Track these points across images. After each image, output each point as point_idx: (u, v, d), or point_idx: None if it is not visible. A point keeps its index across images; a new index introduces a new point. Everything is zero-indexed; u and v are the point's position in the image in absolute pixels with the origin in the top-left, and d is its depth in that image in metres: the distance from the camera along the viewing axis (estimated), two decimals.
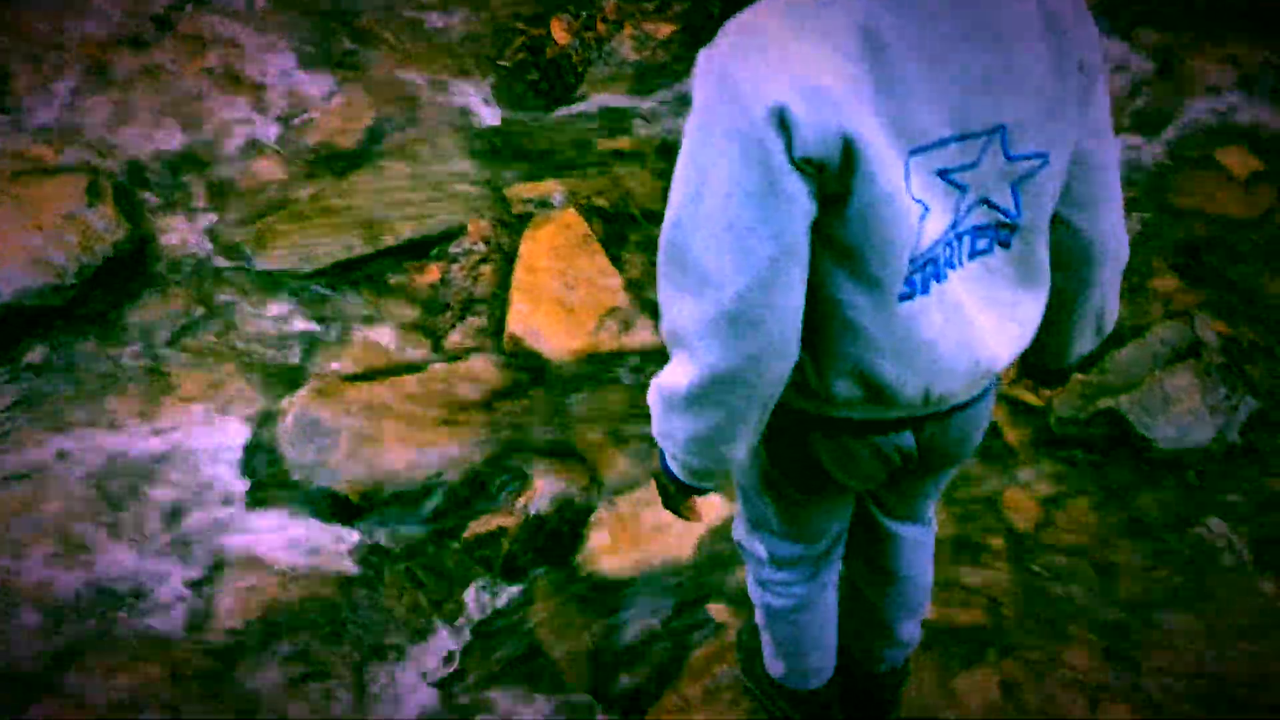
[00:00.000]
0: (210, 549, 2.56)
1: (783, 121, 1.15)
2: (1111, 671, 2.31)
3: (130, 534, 2.58)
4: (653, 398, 1.40)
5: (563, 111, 3.77)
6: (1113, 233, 1.49)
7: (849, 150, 1.17)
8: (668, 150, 3.60)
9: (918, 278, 1.30)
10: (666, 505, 1.54)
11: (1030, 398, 2.85)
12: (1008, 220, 1.34)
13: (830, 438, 1.47)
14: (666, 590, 2.45)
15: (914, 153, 1.22)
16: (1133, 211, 3.38)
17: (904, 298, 1.30)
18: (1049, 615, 2.42)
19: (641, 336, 3.05)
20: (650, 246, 3.31)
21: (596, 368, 2.97)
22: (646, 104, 3.78)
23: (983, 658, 2.32)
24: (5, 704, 2.28)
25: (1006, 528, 2.60)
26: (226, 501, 2.66)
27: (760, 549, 1.80)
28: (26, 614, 2.44)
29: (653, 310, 3.11)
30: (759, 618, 1.94)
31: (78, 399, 2.86)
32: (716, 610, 2.40)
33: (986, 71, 1.22)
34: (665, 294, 1.30)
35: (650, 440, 2.73)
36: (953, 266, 1.33)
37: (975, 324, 1.37)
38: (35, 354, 2.96)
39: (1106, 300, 1.57)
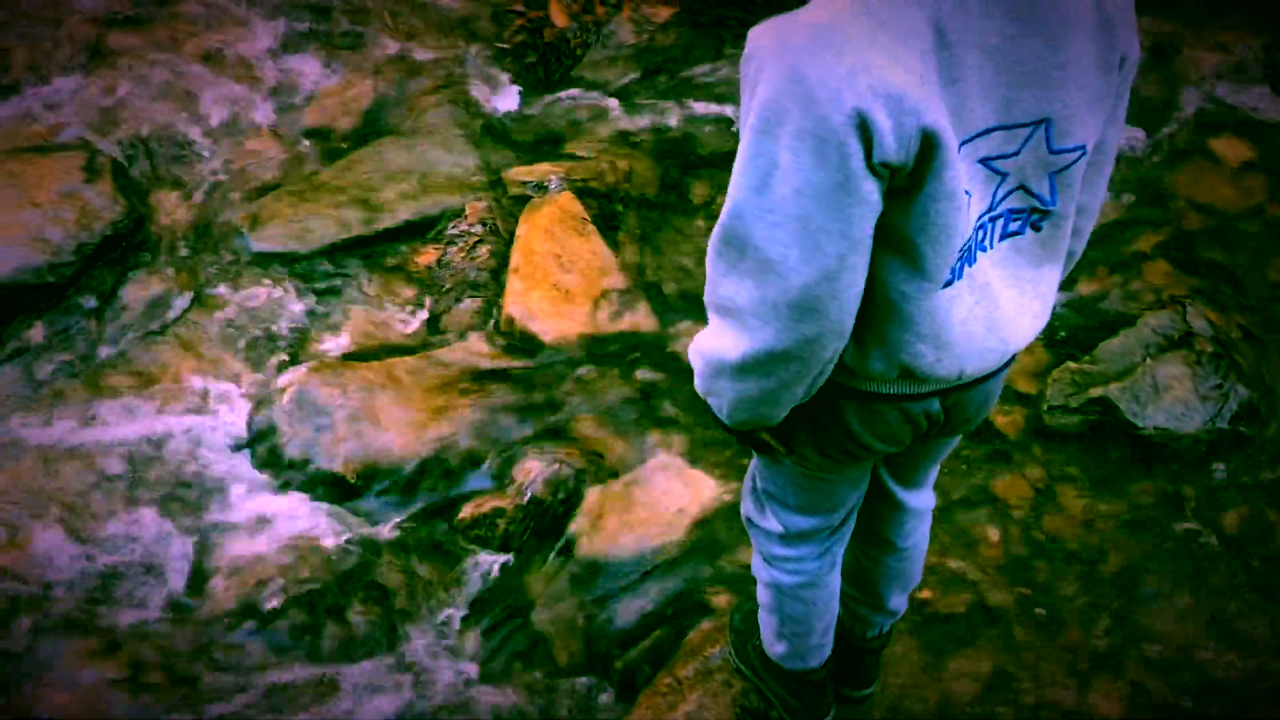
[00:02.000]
0: (207, 528, 2.58)
1: (863, 126, 1.15)
2: (1101, 656, 2.35)
3: (126, 512, 2.59)
4: (695, 360, 1.43)
5: (561, 94, 3.77)
6: (1098, 210, 1.54)
7: (926, 148, 1.19)
8: (664, 134, 3.61)
9: (957, 264, 1.33)
10: (743, 443, 1.58)
11: (1022, 385, 2.87)
12: (1042, 207, 1.36)
13: (862, 404, 1.50)
14: (660, 572, 2.47)
15: (964, 143, 1.24)
16: (1124, 199, 3.40)
17: (946, 284, 1.33)
18: (1040, 600, 2.45)
19: (636, 319, 3.06)
20: (645, 230, 3.32)
21: (592, 349, 2.99)
22: (645, 87, 3.78)
23: (973, 642, 2.35)
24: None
25: (998, 513, 2.62)
26: (223, 480, 2.67)
27: (774, 523, 1.81)
28: (20, 589, 2.45)
29: (647, 293, 3.13)
30: (765, 597, 1.95)
31: (75, 377, 2.87)
32: (710, 593, 2.42)
33: (1037, 65, 1.24)
34: (718, 270, 1.31)
35: (647, 423, 2.77)
36: (983, 249, 1.36)
37: (1000, 303, 1.40)
38: (33, 331, 2.97)
39: (1080, 250, 1.61)
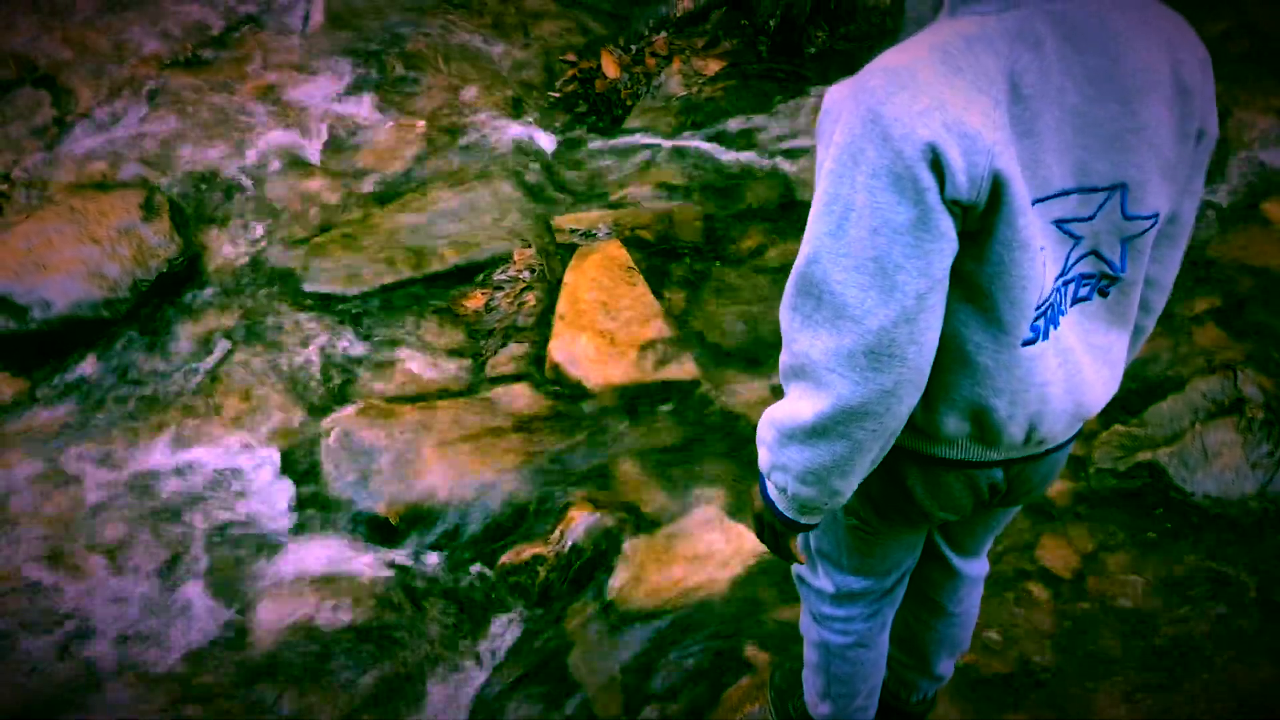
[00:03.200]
0: (251, 567, 2.59)
1: (936, 161, 1.17)
2: None
3: (174, 549, 2.61)
4: (765, 432, 1.40)
5: (611, 143, 3.81)
6: (1171, 284, 1.53)
7: (996, 191, 1.19)
8: (713, 185, 3.63)
9: (1041, 323, 1.32)
10: (768, 544, 1.54)
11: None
12: (1112, 273, 1.36)
13: (926, 470, 1.48)
14: (700, 626, 2.45)
15: (1036, 201, 1.24)
16: None
17: (1027, 342, 1.32)
18: (1085, 666, 2.41)
19: (681, 369, 3.07)
20: (692, 280, 3.34)
21: (636, 398, 2.99)
22: (693, 139, 3.82)
23: (1018, 706, 2.32)
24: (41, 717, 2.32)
25: (1045, 577, 2.59)
26: (268, 519, 2.69)
27: (826, 583, 1.79)
28: (69, 624, 2.47)
29: (692, 342, 3.13)
30: (812, 656, 1.93)
31: (126, 413, 2.92)
32: (749, 649, 2.40)
33: (1115, 129, 1.25)
34: (793, 326, 1.30)
35: (689, 475, 2.76)
36: (1062, 313, 1.35)
37: (1082, 368, 1.39)
38: (87, 365, 3.02)
39: (1150, 326, 1.60)
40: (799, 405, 1.33)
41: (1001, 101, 1.18)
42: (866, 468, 1.36)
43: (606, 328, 3.13)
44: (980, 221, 1.22)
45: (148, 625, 2.48)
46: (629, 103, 3.93)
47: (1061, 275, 1.32)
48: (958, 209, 1.20)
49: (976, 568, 1.86)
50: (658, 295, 3.25)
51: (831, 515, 1.66)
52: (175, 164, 3.61)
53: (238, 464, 2.82)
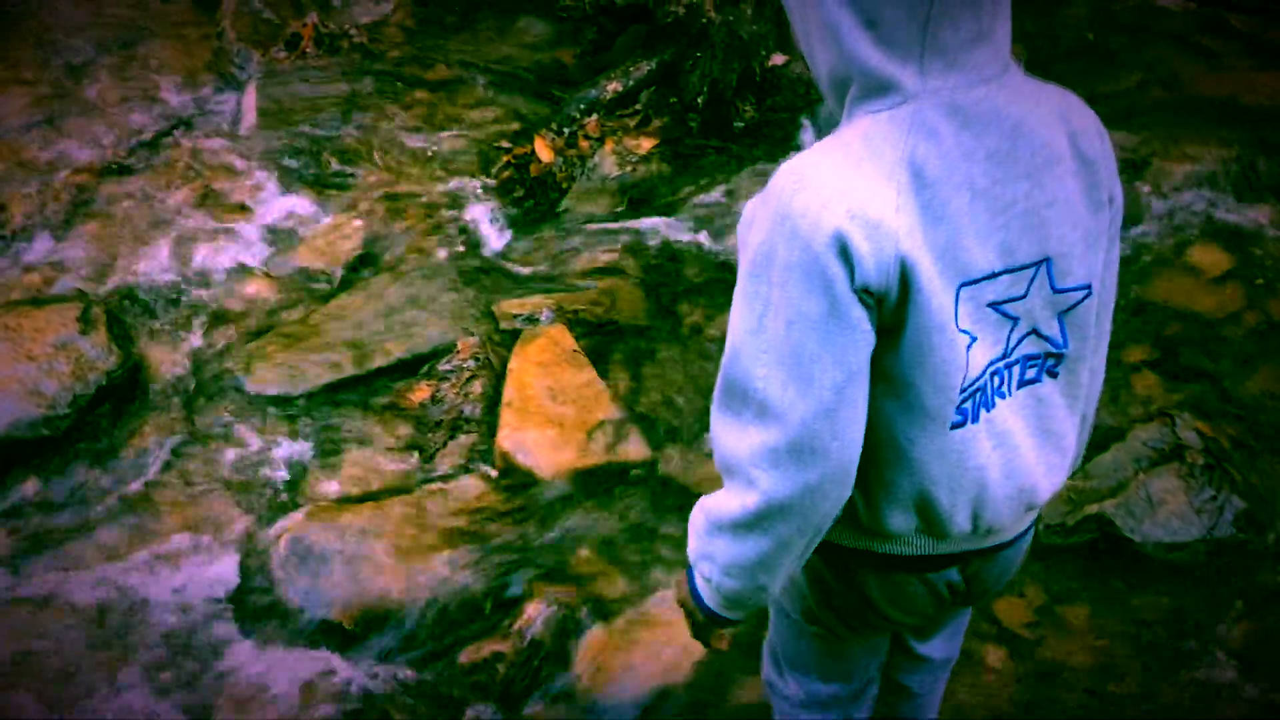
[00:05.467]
0: (205, 684, 2.54)
1: (844, 251, 1.19)
2: None
3: (123, 671, 2.56)
4: (696, 519, 1.41)
5: (549, 228, 3.84)
6: (1103, 368, 1.55)
7: (905, 278, 1.22)
8: (651, 263, 3.67)
9: (968, 406, 1.33)
10: (694, 633, 1.54)
11: None
12: (1055, 350, 1.38)
13: (882, 575, 1.48)
14: (664, 715, 2.43)
15: (964, 285, 1.27)
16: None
17: (955, 425, 1.33)
18: None
19: (630, 449, 3.07)
20: (636, 359, 3.35)
21: (588, 483, 2.99)
22: (630, 218, 3.86)
23: None
24: None
25: (1003, 636, 2.60)
26: (221, 634, 2.64)
27: (795, 690, 1.79)
28: None
29: (640, 422, 3.14)
30: None
31: (69, 532, 2.86)
32: None
33: (1030, 205, 1.28)
34: (722, 425, 1.33)
35: (646, 556, 2.75)
36: (1002, 395, 1.36)
37: (1022, 451, 1.40)
38: (27, 486, 2.97)
39: (1090, 414, 1.61)
40: (728, 499, 1.34)
41: (905, 189, 1.21)
42: (793, 564, 1.37)
43: (555, 413, 3.13)
44: (895, 314, 1.24)
45: None
46: (565, 185, 3.97)
47: (1004, 357, 1.34)
48: (870, 298, 1.23)
49: (944, 650, 1.86)
50: (604, 376, 3.26)
51: (800, 623, 1.67)
52: (111, 274, 3.59)
53: (187, 577, 2.77)
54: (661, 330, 3.44)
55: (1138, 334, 3.36)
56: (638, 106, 4.15)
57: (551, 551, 2.80)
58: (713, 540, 1.38)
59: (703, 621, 1.48)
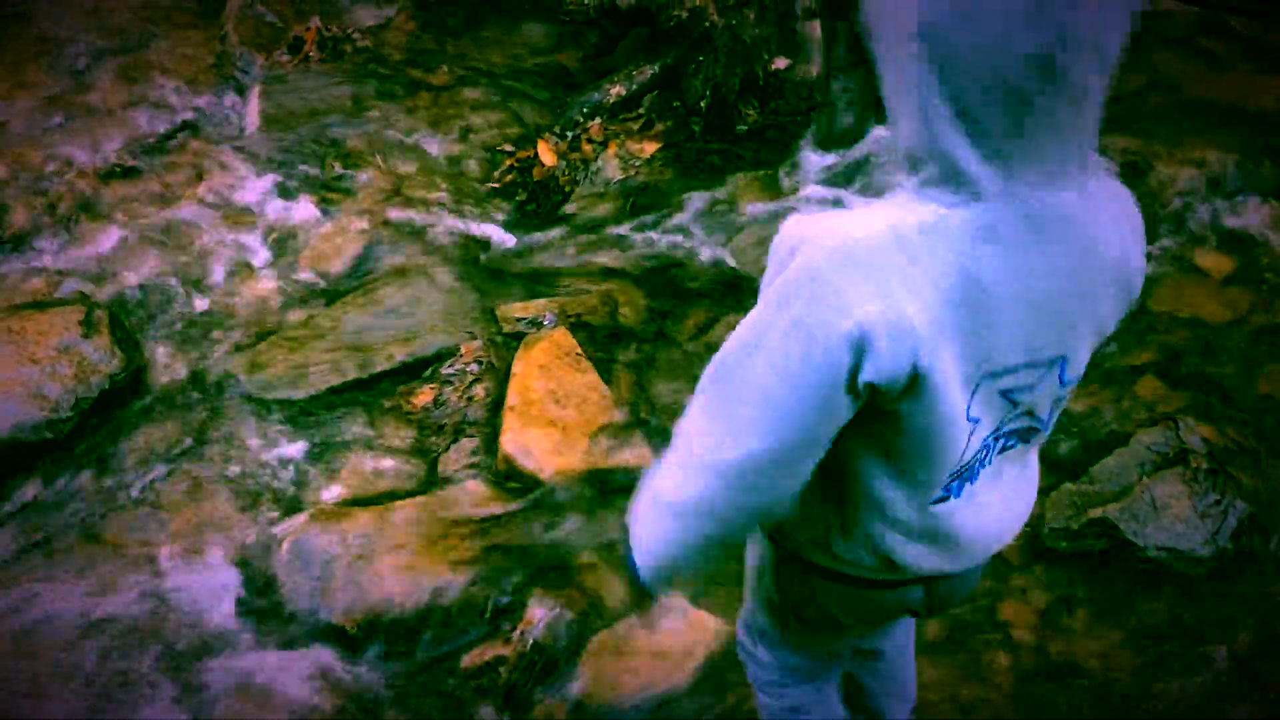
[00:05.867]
0: (207, 687, 2.54)
1: (861, 346, 1.17)
2: None
3: (125, 675, 2.55)
4: (641, 489, 1.43)
5: (552, 231, 3.85)
6: None
7: (915, 383, 1.20)
8: (654, 267, 3.67)
9: (955, 484, 1.36)
10: (631, 597, 1.59)
11: None
12: (1041, 429, 1.41)
13: (844, 590, 1.51)
14: (667, 718, 2.43)
15: (988, 376, 1.26)
16: None
17: (938, 500, 1.36)
18: None
19: (633, 453, 3.07)
20: (639, 363, 3.35)
21: (590, 486, 2.99)
22: (633, 221, 3.86)
23: None
24: None
25: (1006, 641, 2.60)
26: (224, 638, 2.64)
27: (766, 656, 1.83)
28: None
29: (643, 425, 3.14)
30: (761, 714, 1.96)
31: (72, 536, 2.86)
32: None
33: (1067, 310, 1.27)
34: (699, 402, 1.32)
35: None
36: (984, 465, 1.39)
37: (993, 511, 1.44)
38: (29, 489, 2.97)
39: None
40: (669, 476, 1.36)
41: (951, 300, 1.18)
42: (705, 564, 1.41)
43: (557, 416, 3.13)
44: (897, 403, 1.24)
45: None
46: (567, 189, 3.98)
47: (994, 433, 1.35)
48: (867, 391, 1.21)
49: (894, 645, 1.90)
50: (606, 380, 3.26)
51: (763, 608, 1.71)
52: (114, 277, 3.59)
53: (190, 581, 2.76)
54: (664, 334, 3.44)
55: (1142, 338, 3.35)
56: (640, 110, 4.15)
57: (554, 555, 2.80)
58: (649, 511, 1.41)
59: (634, 586, 1.51)
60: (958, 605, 1.65)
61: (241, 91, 4.46)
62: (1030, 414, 1.37)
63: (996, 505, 1.44)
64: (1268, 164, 3.90)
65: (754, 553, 1.69)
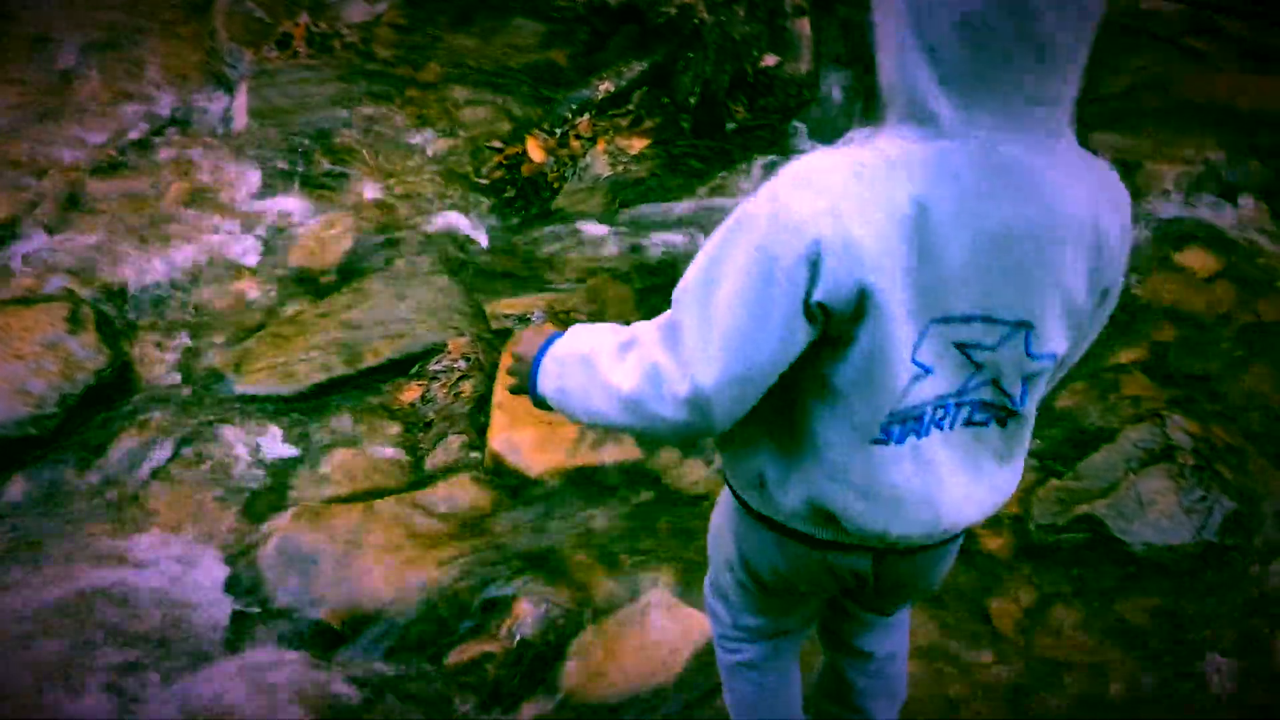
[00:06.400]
0: (193, 684, 2.53)
1: (815, 263, 1.21)
2: None
3: (110, 671, 2.54)
4: (601, 340, 1.41)
5: (540, 227, 3.84)
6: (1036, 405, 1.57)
7: (862, 304, 1.23)
8: (643, 263, 3.67)
9: (896, 428, 1.35)
10: (512, 388, 1.59)
11: (1009, 504, 2.87)
12: (1011, 407, 1.40)
13: (783, 543, 1.53)
14: (653, 715, 2.43)
15: (936, 321, 1.28)
16: None
17: (876, 441, 1.35)
18: None
19: (620, 449, 3.07)
20: None
21: (578, 483, 2.98)
22: (622, 217, 3.86)
23: None
24: None
25: (993, 635, 2.60)
26: (211, 633, 2.63)
27: (726, 617, 1.85)
28: None
29: None
30: (722, 676, 1.97)
31: (57, 532, 2.85)
32: None
33: (1026, 269, 1.27)
34: (664, 318, 1.33)
35: (636, 557, 2.75)
36: (940, 427, 1.38)
37: (946, 484, 1.42)
38: (14, 485, 2.95)
39: None
40: (620, 366, 1.36)
41: (901, 224, 1.21)
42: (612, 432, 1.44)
43: (544, 414, 3.11)
44: (845, 330, 1.26)
45: None
46: (556, 185, 3.97)
47: (956, 395, 1.35)
48: (820, 312, 1.24)
49: (883, 647, 1.88)
50: None
51: (722, 565, 1.74)
52: (101, 273, 3.57)
53: (176, 578, 2.75)
54: None
55: (1129, 335, 3.36)
56: (630, 107, 4.15)
57: (541, 551, 2.79)
58: (585, 370, 1.40)
59: (520, 384, 1.55)
60: (915, 594, 1.63)
61: (230, 87, 4.45)
62: (997, 385, 1.36)
63: (952, 478, 1.42)
64: (1255, 162, 3.91)
65: (719, 511, 1.71)
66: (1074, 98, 1.24)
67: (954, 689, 2.48)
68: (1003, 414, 1.41)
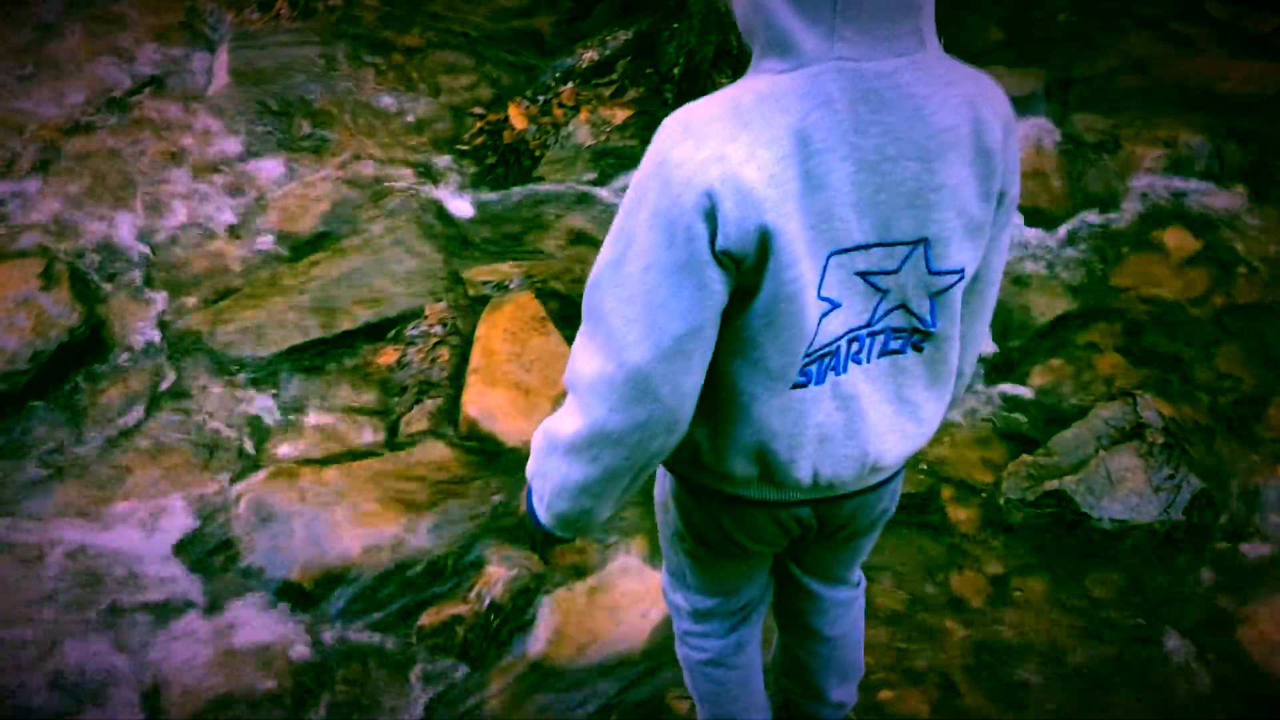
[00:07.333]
0: (162, 641, 2.53)
1: (710, 212, 1.21)
2: None
3: (78, 629, 2.54)
4: (537, 437, 1.46)
5: (520, 195, 3.83)
6: (984, 334, 1.59)
7: (765, 246, 1.23)
8: None
9: (813, 368, 1.36)
10: (535, 546, 1.60)
11: (979, 477, 2.90)
12: (923, 328, 1.40)
13: (733, 511, 1.54)
14: (623, 679, 2.44)
15: (835, 253, 1.28)
16: (1075, 292, 3.47)
17: (797, 385, 1.36)
18: (1001, 696, 2.44)
19: None
20: None
21: None
22: (603, 188, 3.85)
23: None
24: None
25: (959, 608, 2.62)
26: (179, 592, 2.63)
27: (681, 601, 1.85)
28: None
29: None
30: (685, 676, 1.98)
31: (28, 488, 2.84)
32: (673, 698, 2.40)
33: (915, 186, 1.28)
34: (578, 342, 1.36)
35: (607, 523, 2.75)
36: (858, 361, 1.39)
37: (868, 417, 1.43)
38: None
39: (963, 385, 1.64)
40: (564, 419, 1.38)
41: (787, 157, 1.21)
42: (619, 494, 1.42)
43: (520, 379, 3.12)
44: (752, 277, 1.26)
45: (59, 708, 2.40)
46: (538, 153, 3.95)
47: (867, 325, 1.36)
48: (729, 261, 1.25)
49: (841, 593, 1.89)
50: (570, 343, 3.25)
51: (672, 541, 1.73)
52: (76, 231, 3.54)
53: (147, 534, 2.75)
54: None
55: (1103, 314, 3.38)
56: (614, 76, 4.13)
57: (514, 516, 2.79)
58: (548, 459, 1.42)
59: (539, 538, 1.55)
60: (851, 529, 1.64)
61: (210, 48, 4.40)
62: (906, 309, 1.37)
63: (875, 410, 1.43)
64: (1234, 146, 3.93)
65: (660, 489, 1.71)
66: (932, 5, 1.26)
67: (919, 661, 2.50)
68: (917, 337, 1.41)
